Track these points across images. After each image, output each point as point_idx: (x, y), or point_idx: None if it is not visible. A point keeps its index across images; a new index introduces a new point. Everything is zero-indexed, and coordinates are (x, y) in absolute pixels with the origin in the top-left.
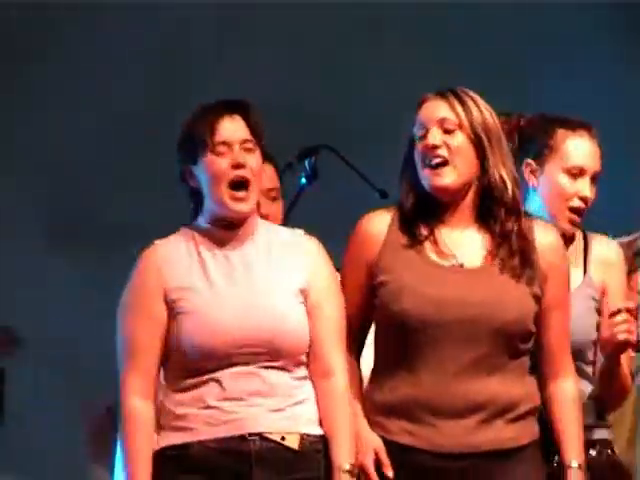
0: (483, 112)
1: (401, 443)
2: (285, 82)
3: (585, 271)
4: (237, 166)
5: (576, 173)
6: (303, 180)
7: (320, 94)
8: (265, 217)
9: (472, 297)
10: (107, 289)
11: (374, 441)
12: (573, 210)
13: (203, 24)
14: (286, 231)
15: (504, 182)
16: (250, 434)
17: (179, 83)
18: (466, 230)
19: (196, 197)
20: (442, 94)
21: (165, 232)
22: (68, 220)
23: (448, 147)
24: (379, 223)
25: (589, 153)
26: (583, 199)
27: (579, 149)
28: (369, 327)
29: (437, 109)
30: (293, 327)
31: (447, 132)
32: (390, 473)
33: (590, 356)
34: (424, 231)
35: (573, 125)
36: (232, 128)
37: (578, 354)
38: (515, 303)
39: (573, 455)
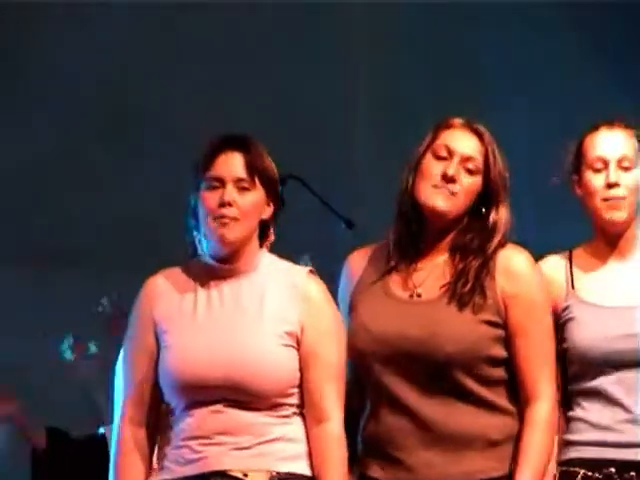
0: (504, 163)
1: (374, 477)
2: (252, 111)
3: None
4: (223, 205)
5: (599, 167)
6: None
7: (288, 124)
8: None
9: (412, 331)
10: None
11: None
12: (607, 200)
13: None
14: (290, 269)
15: (497, 232)
16: (212, 472)
17: (132, 105)
18: (436, 261)
19: (198, 225)
20: (475, 129)
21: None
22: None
23: (461, 184)
24: (359, 260)
25: (607, 142)
26: (611, 185)
27: (597, 142)
28: None
29: (465, 143)
30: (265, 368)
31: (468, 171)
32: None
33: None
34: (393, 262)
35: (596, 126)
36: (227, 165)
37: None
38: (456, 334)
39: (522, 475)
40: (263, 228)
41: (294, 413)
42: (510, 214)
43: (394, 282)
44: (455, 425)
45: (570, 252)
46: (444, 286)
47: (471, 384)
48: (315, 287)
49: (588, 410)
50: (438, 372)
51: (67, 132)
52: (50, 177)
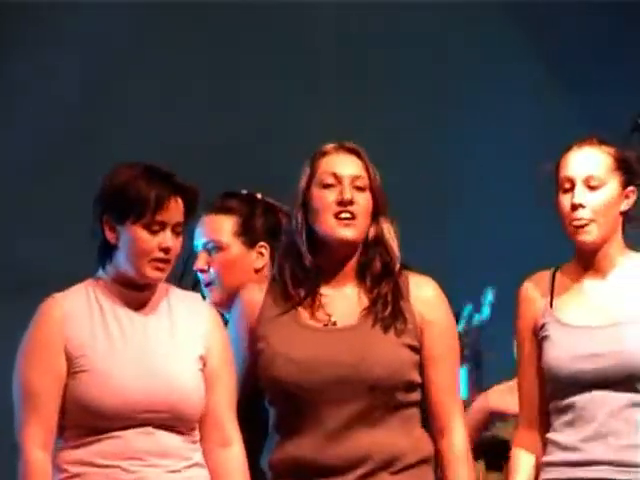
0: (378, 175)
1: None
2: (222, 126)
3: None
4: (165, 250)
5: (567, 187)
6: None
7: (255, 140)
8: None
9: (342, 356)
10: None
11: None
12: (572, 221)
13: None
14: (185, 295)
15: (391, 248)
16: None
17: (99, 122)
18: (344, 288)
19: (108, 249)
20: (352, 150)
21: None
22: None
23: (358, 205)
24: (256, 293)
25: (574, 161)
26: (575, 207)
27: (566, 162)
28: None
29: (349, 165)
30: (194, 393)
31: (358, 189)
32: None
33: None
34: (300, 293)
35: (570, 145)
36: (173, 210)
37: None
38: (384, 357)
39: None
40: None
41: (198, 439)
42: (394, 226)
43: (302, 314)
44: (375, 448)
45: (555, 269)
46: (363, 311)
47: (389, 408)
48: (212, 311)
49: (557, 430)
50: (364, 396)
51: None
52: None
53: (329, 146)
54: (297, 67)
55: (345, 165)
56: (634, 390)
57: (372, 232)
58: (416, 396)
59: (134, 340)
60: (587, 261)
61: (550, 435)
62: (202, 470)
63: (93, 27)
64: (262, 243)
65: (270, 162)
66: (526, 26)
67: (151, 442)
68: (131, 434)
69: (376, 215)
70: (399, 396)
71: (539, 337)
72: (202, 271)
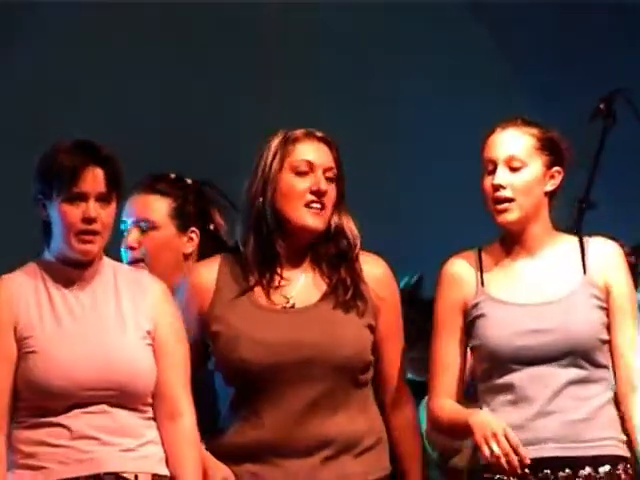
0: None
1: None
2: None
3: (585, 271)
4: (88, 220)
5: (490, 169)
6: None
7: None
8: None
9: (305, 337)
10: None
11: (223, 470)
12: (495, 202)
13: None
14: (132, 271)
15: (352, 236)
16: (106, 473)
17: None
18: (299, 272)
19: (46, 228)
20: (325, 140)
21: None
22: None
23: (328, 195)
24: (207, 273)
25: (496, 143)
26: (495, 187)
27: (489, 144)
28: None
29: (323, 155)
30: (144, 369)
31: (329, 180)
32: None
33: (601, 358)
34: (255, 276)
35: (493, 128)
36: (90, 181)
37: (584, 356)
38: (351, 337)
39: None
40: None
41: (152, 417)
42: (349, 215)
43: (259, 295)
44: (337, 431)
45: (479, 249)
46: (323, 295)
47: (352, 389)
48: (159, 285)
49: (497, 410)
50: (328, 377)
51: None
52: None
53: (299, 132)
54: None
55: (319, 155)
56: (576, 366)
57: (334, 221)
58: (370, 375)
59: (81, 319)
60: (514, 241)
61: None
62: (156, 447)
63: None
64: (193, 228)
65: (220, 147)
66: (493, 26)
67: (106, 420)
68: (85, 412)
69: (338, 204)
70: (360, 376)
71: (470, 316)
72: (132, 248)
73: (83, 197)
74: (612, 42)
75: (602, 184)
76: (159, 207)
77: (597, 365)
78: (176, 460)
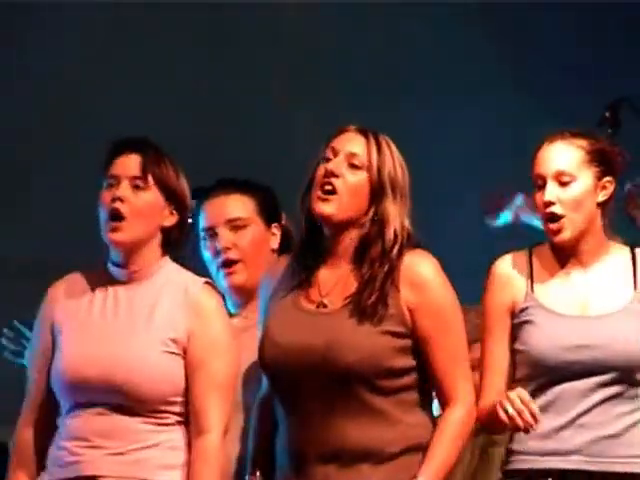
0: (395, 163)
1: None
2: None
3: (636, 286)
4: (114, 199)
5: (540, 184)
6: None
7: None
8: None
9: (313, 342)
10: None
11: None
12: (547, 219)
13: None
14: (188, 278)
15: (397, 236)
16: (85, 477)
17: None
18: (339, 270)
19: None
20: (363, 131)
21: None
22: None
23: (345, 180)
24: (274, 270)
25: (545, 157)
26: (546, 204)
27: (538, 159)
28: None
29: (351, 142)
30: (149, 374)
31: (352, 166)
32: None
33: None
34: (304, 273)
35: (542, 140)
36: (124, 164)
37: (626, 375)
38: (356, 343)
39: (423, 473)
40: (167, 238)
41: (178, 422)
42: (402, 212)
43: (302, 294)
44: (352, 439)
45: (530, 251)
46: (349, 297)
47: (369, 396)
48: (208, 297)
49: None
50: (338, 383)
51: None
52: None
53: (349, 127)
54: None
55: (346, 142)
56: (615, 383)
57: (372, 213)
58: (406, 380)
59: (109, 319)
60: (566, 251)
61: None
62: (165, 452)
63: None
64: (275, 224)
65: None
66: (486, 26)
67: (99, 422)
68: (86, 414)
69: (376, 197)
70: (381, 382)
71: (517, 319)
72: (227, 249)
73: (116, 179)
74: (619, 43)
75: None
76: (245, 204)
77: (636, 384)
78: (193, 471)
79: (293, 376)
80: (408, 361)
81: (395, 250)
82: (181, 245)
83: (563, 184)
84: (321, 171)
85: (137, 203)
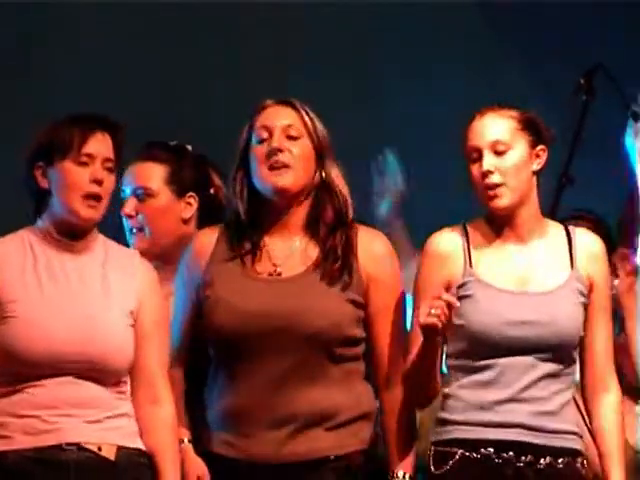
0: (321, 126)
1: (222, 455)
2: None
3: (572, 265)
4: (95, 181)
5: (475, 157)
6: None
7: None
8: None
9: (281, 307)
10: None
11: (198, 468)
12: (485, 189)
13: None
14: (122, 249)
15: (342, 193)
16: (68, 444)
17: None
18: (293, 239)
19: (41, 197)
20: (286, 102)
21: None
22: None
23: (290, 152)
24: (208, 238)
25: (477, 130)
26: (485, 174)
27: (470, 132)
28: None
29: (282, 115)
30: (121, 346)
31: (291, 138)
32: None
33: (575, 355)
34: (249, 242)
35: (472, 116)
36: (100, 144)
37: (565, 352)
38: (327, 310)
39: (400, 465)
40: None
41: (127, 391)
42: (341, 173)
43: (247, 263)
44: (306, 404)
45: (464, 227)
46: (312, 264)
47: (325, 363)
48: (149, 268)
49: (466, 387)
50: (298, 349)
51: None
52: None
53: (266, 101)
54: None
55: (277, 116)
56: (554, 360)
57: (317, 178)
58: (358, 350)
59: (64, 288)
60: (503, 223)
61: (458, 392)
62: (130, 421)
63: None
64: (191, 193)
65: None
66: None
67: (71, 392)
68: (53, 383)
69: (320, 160)
70: (338, 350)
71: (456, 295)
72: (129, 216)
73: (91, 159)
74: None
75: (581, 160)
76: (155, 174)
77: (571, 361)
78: (156, 445)
79: (249, 341)
80: (361, 332)
81: (349, 212)
82: None
83: (499, 153)
84: (263, 150)
85: (109, 184)
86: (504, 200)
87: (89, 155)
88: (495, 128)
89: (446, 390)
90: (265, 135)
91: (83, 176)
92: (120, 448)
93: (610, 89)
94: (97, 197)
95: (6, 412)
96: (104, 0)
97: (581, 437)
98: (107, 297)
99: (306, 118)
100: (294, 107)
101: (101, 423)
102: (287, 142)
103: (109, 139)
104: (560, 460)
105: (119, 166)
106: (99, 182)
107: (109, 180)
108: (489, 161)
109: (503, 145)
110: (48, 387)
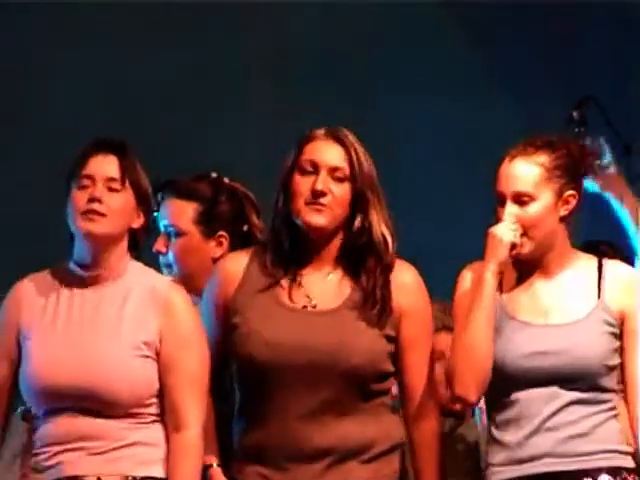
0: (370, 167)
1: None
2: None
3: (599, 295)
4: (93, 200)
5: (501, 200)
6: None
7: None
8: None
9: (318, 341)
10: None
11: None
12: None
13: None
14: (154, 278)
15: (385, 239)
16: (67, 477)
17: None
18: (326, 271)
19: (72, 233)
20: (336, 138)
21: None
22: None
23: (333, 195)
24: (236, 264)
25: (504, 175)
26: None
27: (498, 176)
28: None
29: (328, 154)
30: (123, 378)
31: (336, 179)
32: None
33: (606, 383)
34: (282, 273)
35: (503, 156)
36: (99, 165)
37: (589, 381)
38: (364, 347)
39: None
40: (133, 239)
41: (154, 420)
42: (383, 212)
43: (282, 293)
44: (344, 437)
45: None
46: (347, 299)
47: (361, 398)
48: (175, 295)
49: (500, 428)
50: (335, 384)
51: None
52: None
53: (318, 131)
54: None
55: (326, 154)
56: (579, 389)
57: (358, 222)
58: (387, 384)
59: (76, 322)
60: (530, 264)
61: (493, 432)
62: (145, 449)
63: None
64: (222, 233)
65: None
66: (463, 25)
67: (75, 426)
68: (58, 419)
69: (360, 204)
70: (372, 386)
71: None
72: (159, 252)
73: (91, 180)
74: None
75: None
76: (185, 212)
77: (602, 389)
78: (173, 467)
79: (284, 373)
80: (392, 366)
81: (389, 256)
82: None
83: (522, 203)
84: (305, 187)
85: (114, 204)
86: (525, 249)
87: (89, 177)
88: (521, 178)
89: (491, 432)
90: (310, 169)
91: (83, 197)
92: (126, 477)
93: (598, 121)
94: (97, 212)
95: (29, 450)
96: (104, 0)
97: (626, 452)
98: (117, 329)
99: (354, 160)
100: (344, 145)
101: (104, 455)
102: (332, 183)
103: (114, 160)
104: (600, 479)
105: (152, 181)
106: (97, 200)
107: (113, 198)
108: (510, 210)
109: (527, 197)
110: (55, 423)
